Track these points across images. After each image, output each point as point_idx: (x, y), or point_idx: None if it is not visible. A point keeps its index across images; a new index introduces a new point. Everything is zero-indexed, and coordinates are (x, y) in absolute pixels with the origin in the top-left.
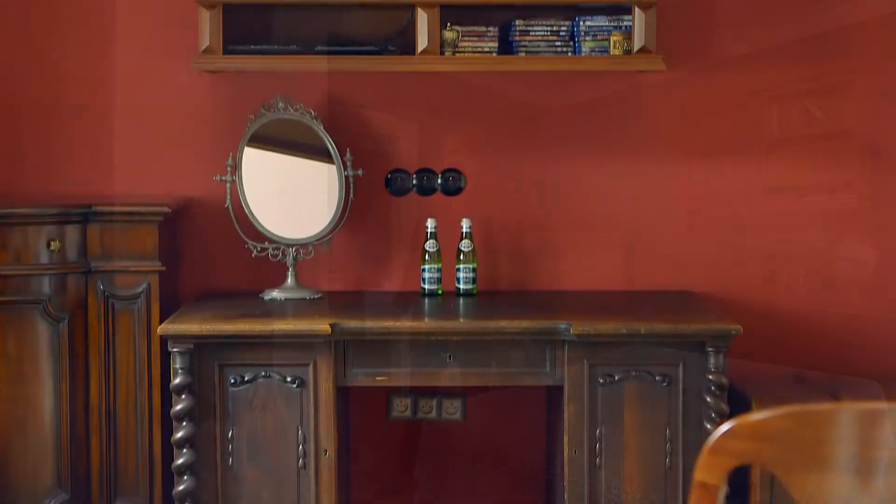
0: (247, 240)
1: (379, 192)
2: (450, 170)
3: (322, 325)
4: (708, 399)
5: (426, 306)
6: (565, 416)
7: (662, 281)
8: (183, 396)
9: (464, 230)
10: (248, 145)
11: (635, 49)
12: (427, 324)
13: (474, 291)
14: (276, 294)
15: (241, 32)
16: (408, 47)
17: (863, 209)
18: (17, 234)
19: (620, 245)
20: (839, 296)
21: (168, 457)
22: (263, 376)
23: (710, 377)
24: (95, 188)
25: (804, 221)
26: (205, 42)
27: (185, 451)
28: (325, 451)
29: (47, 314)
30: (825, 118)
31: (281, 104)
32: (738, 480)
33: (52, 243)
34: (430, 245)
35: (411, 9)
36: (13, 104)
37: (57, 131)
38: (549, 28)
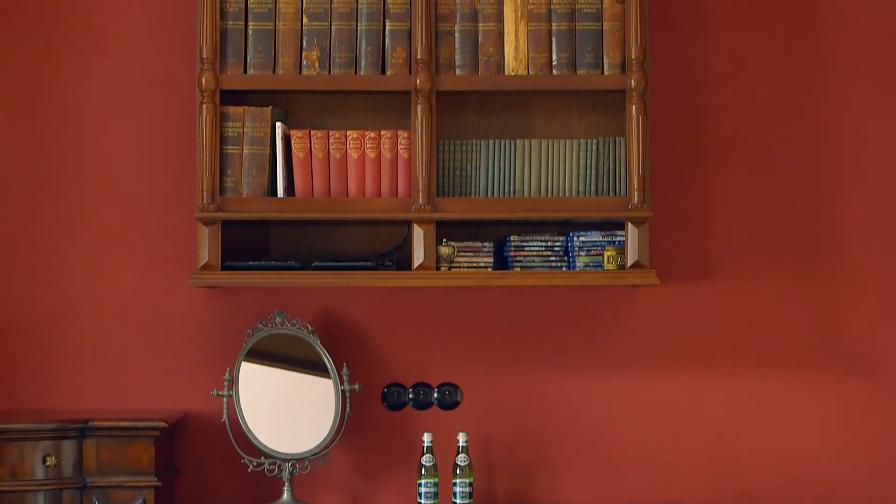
0: (243, 455)
1: (375, 406)
2: (446, 383)
3: None
4: None
5: None
6: None
7: (660, 493)
8: None
9: (460, 444)
10: (246, 360)
11: (629, 264)
12: None
13: None
14: None
15: (239, 247)
16: (404, 262)
17: (863, 427)
18: (13, 450)
19: (617, 458)
20: None
21: None
22: None
23: None
24: (93, 401)
25: (802, 436)
26: (203, 258)
27: None
28: None
29: None
30: (820, 333)
31: (278, 319)
32: None
33: (48, 459)
34: (426, 459)
35: (407, 225)
36: (10, 317)
37: (54, 344)
38: (543, 243)
